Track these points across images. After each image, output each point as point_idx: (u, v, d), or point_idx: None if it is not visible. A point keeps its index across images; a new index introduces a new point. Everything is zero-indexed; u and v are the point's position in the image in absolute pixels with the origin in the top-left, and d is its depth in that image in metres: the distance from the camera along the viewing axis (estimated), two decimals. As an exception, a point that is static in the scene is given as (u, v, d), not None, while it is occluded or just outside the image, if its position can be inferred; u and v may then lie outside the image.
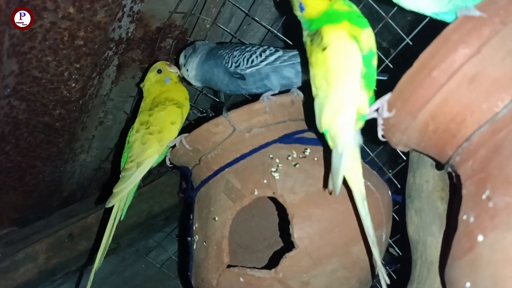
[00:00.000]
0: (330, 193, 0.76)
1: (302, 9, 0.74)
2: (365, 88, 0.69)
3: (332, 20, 0.71)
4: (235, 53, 1.02)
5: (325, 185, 0.82)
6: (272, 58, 0.99)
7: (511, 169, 0.54)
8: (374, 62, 0.70)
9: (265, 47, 1.02)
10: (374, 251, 0.72)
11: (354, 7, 0.73)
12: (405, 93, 0.64)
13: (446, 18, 0.67)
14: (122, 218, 1.05)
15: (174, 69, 1.12)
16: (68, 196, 1.47)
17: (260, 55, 1.00)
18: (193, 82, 1.12)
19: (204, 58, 1.08)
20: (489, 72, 0.59)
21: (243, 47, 1.04)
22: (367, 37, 0.69)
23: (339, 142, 0.69)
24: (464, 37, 0.58)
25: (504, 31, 0.58)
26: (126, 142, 1.06)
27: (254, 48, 1.02)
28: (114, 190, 1.02)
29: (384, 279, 0.70)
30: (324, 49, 0.69)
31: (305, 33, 0.76)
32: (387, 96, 0.68)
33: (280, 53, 0.99)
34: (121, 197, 1.02)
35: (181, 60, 1.13)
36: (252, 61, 1.00)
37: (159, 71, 1.11)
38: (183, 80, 1.15)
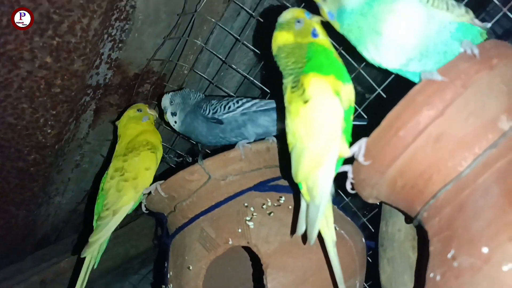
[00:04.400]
0: (304, 242, 0.76)
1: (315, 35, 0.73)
2: (345, 140, 0.69)
3: (322, 69, 0.70)
4: (213, 101, 1.05)
5: (293, 231, 0.81)
6: (248, 104, 1.01)
7: (475, 229, 0.55)
8: (352, 116, 0.71)
9: (242, 97, 1.05)
10: None
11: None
12: (374, 150, 0.65)
13: (410, 76, 0.69)
14: (95, 267, 1.03)
15: (153, 112, 1.15)
16: (42, 238, 1.45)
17: (237, 102, 1.02)
18: (176, 128, 1.14)
19: (187, 111, 1.10)
20: (453, 132, 0.61)
21: (221, 98, 1.07)
22: (349, 92, 0.70)
23: (317, 194, 0.69)
24: (428, 99, 0.61)
25: (466, 94, 0.60)
26: (100, 189, 1.05)
27: (231, 98, 1.05)
28: (90, 240, 0.99)
29: None
30: (306, 101, 0.68)
31: (288, 78, 0.73)
32: (365, 139, 0.68)
33: (256, 100, 1.02)
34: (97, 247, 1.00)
35: (166, 103, 1.13)
36: (229, 107, 1.02)
37: (139, 110, 1.14)
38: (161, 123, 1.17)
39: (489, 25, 0.69)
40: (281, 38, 0.74)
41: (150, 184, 1.02)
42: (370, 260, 1.02)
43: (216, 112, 1.03)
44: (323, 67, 0.70)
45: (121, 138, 1.11)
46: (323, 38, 0.73)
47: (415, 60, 0.65)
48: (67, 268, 1.33)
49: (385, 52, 0.65)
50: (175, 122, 1.12)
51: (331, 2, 0.68)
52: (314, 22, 0.74)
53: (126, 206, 1.01)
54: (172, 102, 1.12)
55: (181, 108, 1.11)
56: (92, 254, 1.00)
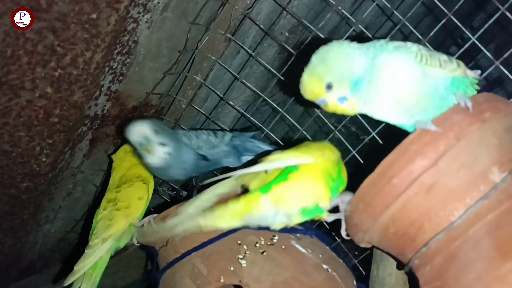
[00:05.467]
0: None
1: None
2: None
3: None
4: (196, 136, 1.09)
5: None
6: (227, 138, 1.09)
7: (466, 281, 0.56)
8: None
9: (224, 131, 1.12)
10: None
11: None
12: (367, 197, 0.67)
13: (406, 127, 0.71)
14: None
15: None
16: (28, 267, 1.42)
17: (217, 136, 1.09)
18: (162, 163, 1.02)
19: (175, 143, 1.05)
20: (445, 182, 0.63)
21: (200, 131, 1.11)
22: None
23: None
24: (422, 149, 0.62)
25: (458, 145, 0.62)
26: (94, 222, 1.05)
27: (209, 132, 1.10)
28: (75, 268, 0.97)
29: None
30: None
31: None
32: (347, 196, 0.73)
33: (236, 133, 1.10)
34: (85, 276, 0.99)
35: (148, 133, 0.98)
36: (213, 146, 1.06)
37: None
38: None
39: (478, 72, 0.73)
40: None
41: (143, 217, 1.02)
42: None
43: (201, 148, 1.06)
44: None
45: (115, 171, 1.12)
46: None
47: (417, 115, 0.67)
48: (51, 299, 1.30)
49: (385, 107, 0.67)
50: (168, 154, 0.99)
51: (339, 85, 0.67)
52: None
53: (115, 234, 1.00)
54: (157, 131, 0.98)
55: (171, 138, 1.01)
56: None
